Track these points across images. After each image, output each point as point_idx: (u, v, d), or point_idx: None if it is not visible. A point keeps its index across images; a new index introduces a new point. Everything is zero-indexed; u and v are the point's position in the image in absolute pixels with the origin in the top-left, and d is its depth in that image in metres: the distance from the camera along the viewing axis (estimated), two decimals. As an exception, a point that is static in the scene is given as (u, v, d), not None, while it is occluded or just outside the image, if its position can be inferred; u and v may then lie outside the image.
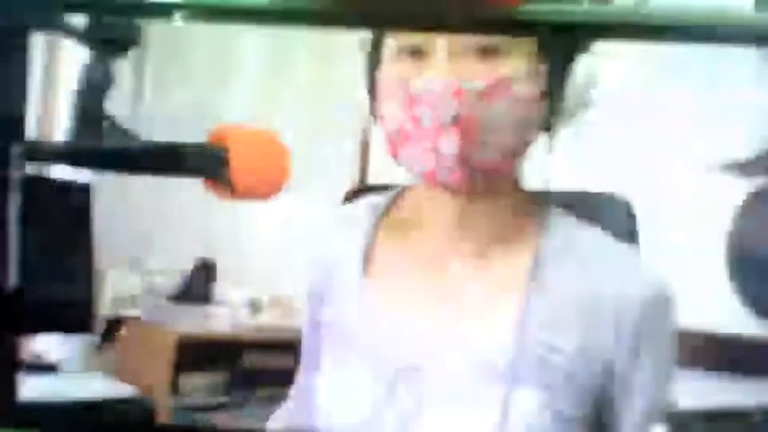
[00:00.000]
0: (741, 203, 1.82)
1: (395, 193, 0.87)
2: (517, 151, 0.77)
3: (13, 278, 0.54)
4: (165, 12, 0.52)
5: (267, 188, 0.68)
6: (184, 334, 2.21)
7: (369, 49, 0.81)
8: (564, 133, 0.83)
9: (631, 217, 0.94)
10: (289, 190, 0.71)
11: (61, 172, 1.67)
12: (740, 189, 1.83)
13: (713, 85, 1.96)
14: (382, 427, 0.77)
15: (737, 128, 1.92)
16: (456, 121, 0.72)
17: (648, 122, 2.04)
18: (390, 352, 0.79)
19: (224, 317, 2.38)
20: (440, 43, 0.74)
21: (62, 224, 1.68)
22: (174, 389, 2.21)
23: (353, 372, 0.81)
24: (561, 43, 0.76)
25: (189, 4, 0.49)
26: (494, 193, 0.79)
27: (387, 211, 0.86)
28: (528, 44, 0.75)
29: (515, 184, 0.81)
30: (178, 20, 0.50)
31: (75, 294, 1.72)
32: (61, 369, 1.91)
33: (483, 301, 0.78)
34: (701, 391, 1.90)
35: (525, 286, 0.77)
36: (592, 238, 0.80)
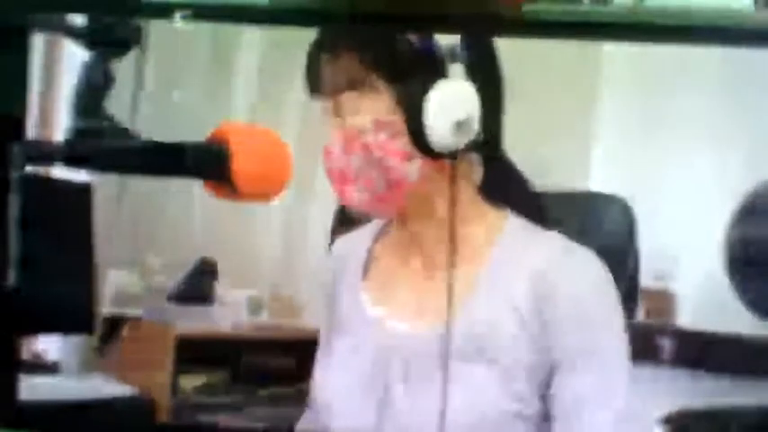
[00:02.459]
0: (741, 203, 1.82)
1: None
2: (394, 184, 0.89)
3: (12, 278, 0.54)
4: (165, 12, 0.52)
5: (268, 188, 0.68)
6: (184, 334, 2.21)
7: None
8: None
9: (629, 217, 0.94)
10: (290, 190, 0.71)
11: (61, 172, 1.68)
12: (740, 189, 1.83)
13: (716, 87, 1.96)
14: (364, 404, 0.91)
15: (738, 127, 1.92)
16: (332, 173, 0.90)
17: (651, 123, 2.05)
18: (371, 340, 0.94)
19: (224, 316, 2.38)
20: (325, 107, 0.90)
21: (62, 224, 1.68)
22: (174, 389, 2.21)
23: (344, 358, 0.96)
24: (409, 81, 0.87)
25: (189, 4, 0.49)
26: (423, 214, 0.92)
27: (385, 225, 1.00)
28: (385, 95, 0.88)
29: (458, 201, 0.92)
30: (178, 20, 0.50)
31: (75, 294, 1.72)
32: (61, 369, 1.91)
33: (439, 300, 0.91)
34: (701, 391, 1.90)
35: (474, 284, 0.90)
36: (539, 239, 0.91)
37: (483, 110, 0.87)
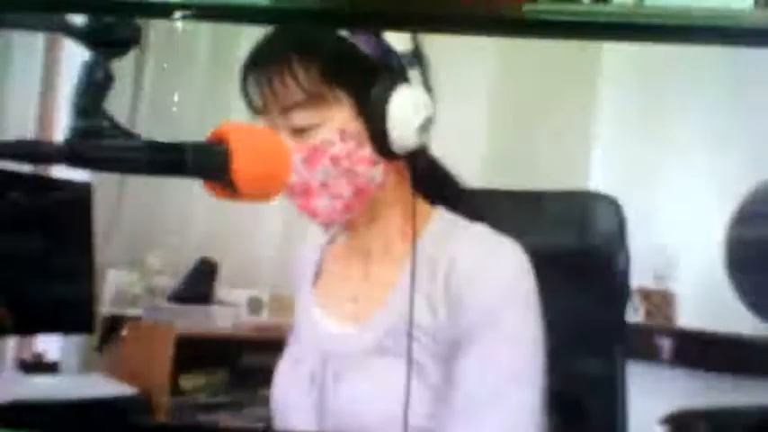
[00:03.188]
0: (741, 203, 1.82)
1: None
2: (361, 189, 0.91)
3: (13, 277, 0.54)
4: (165, 12, 0.52)
5: (268, 188, 0.68)
6: (184, 333, 2.22)
7: None
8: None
9: (619, 216, 0.95)
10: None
11: (61, 172, 1.67)
12: (740, 189, 1.83)
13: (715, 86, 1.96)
14: (305, 406, 0.96)
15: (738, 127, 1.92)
16: (297, 185, 0.90)
17: (651, 123, 2.04)
18: (314, 344, 0.99)
19: (224, 316, 2.38)
20: (274, 125, 0.90)
21: (62, 224, 1.68)
22: (174, 388, 2.21)
23: (292, 364, 1.01)
24: (370, 89, 0.89)
25: (189, 4, 0.49)
26: (369, 215, 0.94)
27: (335, 231, 1.04)
28: (346, 103, 0.89)
29: (395, 203, 0.95)
30: (178, 20, 0.50)
31: (75, 294, 1.72)
32: (61, 369, 1.91)
33: (369, 300, 0.95)
34: (701, 391, 1.90)
35: (398, 284, 0.93)
36: (462, 232, 0.93)
37: None
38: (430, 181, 0.97)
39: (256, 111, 0.92)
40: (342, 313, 0.98)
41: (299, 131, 0.89)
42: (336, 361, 0.95)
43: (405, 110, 0.88)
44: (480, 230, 0.93)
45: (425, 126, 0.89)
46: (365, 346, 0.92)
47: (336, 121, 0.89)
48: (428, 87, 0.91)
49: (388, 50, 0.88)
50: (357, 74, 0.89)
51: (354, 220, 0.96)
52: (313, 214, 0.92)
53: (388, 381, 0.90)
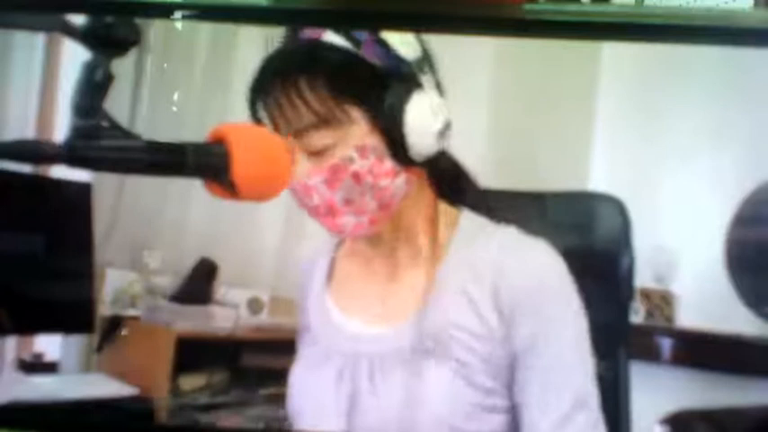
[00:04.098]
0: (742, 203, 1.82)
1: None
2: (386, 203, 0.90)
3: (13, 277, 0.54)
4: (164, 12, 0.52)
5: (268, 188, 0.68)
6: (184, 334, 2.21)
7: None
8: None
9: (624, 216, 0.95)
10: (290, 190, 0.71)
11: (61, 172, 1.67)
12: (741, 189, 1.83)
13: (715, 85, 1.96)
14: (335, 408, 0.94)
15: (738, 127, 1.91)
16: (321, 205, 0.89)
17: (651, 123, 2.04)
18: (339, 345, 0.97)
19: (224, 317, 2.38)
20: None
21: (62, 224, 1.68)
22: (174, 389, 2.21)
23: (314, 366, 0.99)
24: (383, 102, 0.88)
25: (189, 4, 0.49)
26: (394, 222, 0.93)
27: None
28: (360, 119, 0.88)
29: (419, 206, 0.95)
30: (178, 20, 0.50)
31: (75, 294, 1.72)
32: (61, 369, 1.91)
33: (400, 301, 0.94)
34: (701, 391, 1.90)
35: (432, 286, 0.92)
36: (494, 233, 0.93)
37: None
38: (453, 183, 0.96)
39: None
40: (369, 314, 0.97)
41: (315, 153, 0.88)
42: (370, 361, 0.93)
43: (422, 117, 0.86)
44: (514, 233, 0.93)
45: (444, 130, 0.88)
46: (401, 347, 0.92)
47: (353, 138, 0.88)
48: (441, 91, 0.90)
49: (396, 58, 0.86)
50: (367, 87, 0.87)
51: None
52: (340, 232, 0.92)
53: (431, 380, 0.89)
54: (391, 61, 0.86)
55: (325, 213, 0.90)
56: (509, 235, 0.93)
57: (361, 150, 0.88)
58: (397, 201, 0.92)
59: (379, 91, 0.86)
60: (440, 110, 0.87)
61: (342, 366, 0.95)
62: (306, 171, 0.88)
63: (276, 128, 0.89)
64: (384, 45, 0.84)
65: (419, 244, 0.94)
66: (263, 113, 0.89)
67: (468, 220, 0.95)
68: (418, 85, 0.87)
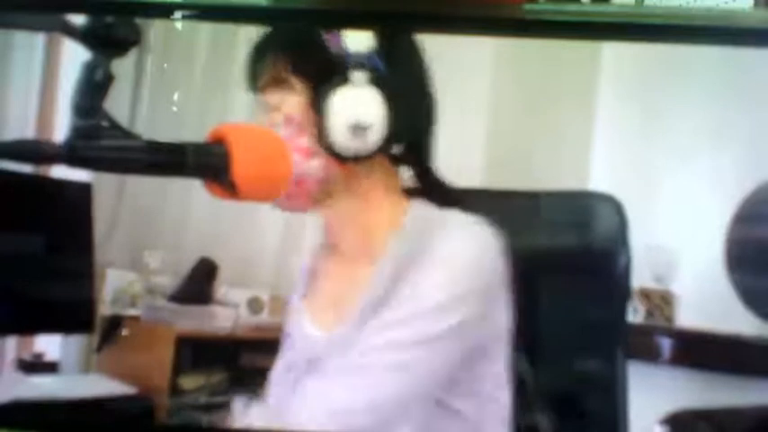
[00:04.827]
0: (742, 203, 1.82)
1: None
2: (302, 179, 0.93)
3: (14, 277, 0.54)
4: (165, 12, 0.51)
5: (268, 189, 0.68)
6: (184, 334, 2.22)
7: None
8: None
9: (620, 216, 0.95)
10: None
11: (61, 172, 1.67)
12: (741, 189, 1.83)
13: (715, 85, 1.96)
14: (288, 408, 0.94)
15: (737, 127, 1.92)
16: None
17: (651, 123, 2.04)
18: (303, 351, 0.98)
19: (224, 317, 2.38)
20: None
21: (62, 224, 1.68)
22: (174, 389, 2.21)
23: (286, 369, 1.00)
24: (320, 83, 0.92)
25: (189, 4, 0.49)
26: (367, 207, 0.96)
27: (323, 241, 1.04)
28: (292, 93, 0.94)
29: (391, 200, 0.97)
30: (178, 20, 0.50)
31: (75, 294, 1.72)
32: (61, 369, 1.91)
33: (344, 301, 0.96)
34: (701, 391, 1.90)
35: (371, 281, 0.93)
36: (441, 221, 0.94)
37: (399, 119, 0.92)
38: (425, 183, 0.97)
39: (247, 88, 0.99)
40: (324, 318, 0.99)
41: (265, 111, 0.96)
42: (309, 364, 0.96)
43: (342, 109, 0.91)
44: (454, 216, 0.95)
45: (365, 130, 0.90)
46: (335, 349, 0.94)
47: (289, 107, 0.94)
48: (387, 93, 0.91)
49: (347, 49, 0.91)
50: (312, 66, 0.93)
51: (329, 225, 0.99)
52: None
53: (354, 380, 0.90)
54: (342, 51, 0.92)
55: None
56: (450, 220, 0.94)
57: (287, 119, 0.94)
58: (309, 182, 0.94)
59: (322, 73, 0.92)
60: (361, 109, 0.90)
61: (298, 373, 0.97)
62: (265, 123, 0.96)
63: (252, 81, 0.97)
64: (341, 35, 0.91)
65: (371, 243, 0.96)
66: (249, 68, 0.98)
67: (415, 210, 0.97)
68: (346, 80, 0.91)
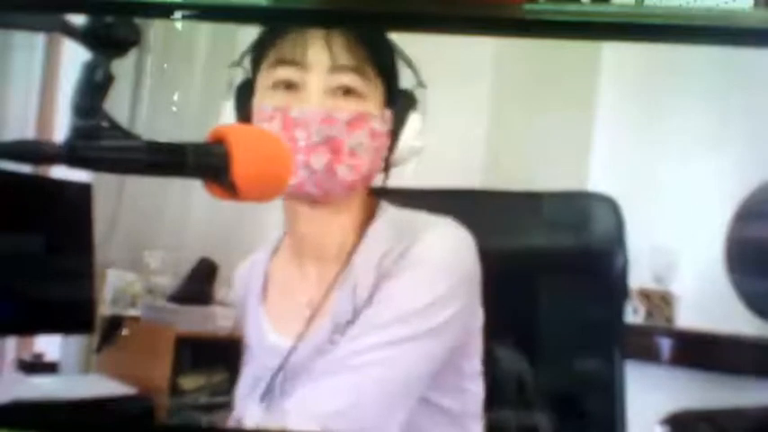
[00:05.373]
0: (742, 203, 1.82)
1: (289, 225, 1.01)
2: (369, 176, 0.93)
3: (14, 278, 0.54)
4: (164, 12, 0.51)
5: (268, 189, 0.68)
6: (184, 334, 2.21)
7: (240, 83, 0.96)
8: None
9: (617, 216, 0.95)
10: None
11: (61, 172, 1.67)
12: (741, 189, 1.83)
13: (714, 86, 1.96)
14: (256, 417, 0.93)
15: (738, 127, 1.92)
16: (326, 141, 0.88)
17: (651, 123, 2.04)
18: (266, 359, 0.95)
19: (224, 317, 2.38)
20: (313, 80, 0.90)
21: (62, 224, 1.68)
22: (174, 389, 2.21)
23: (248, 386, 0.98)
24: (402, 93, 0.94)
25: (189, 4, 0.49)
26: (343, 207, 0.94)
27: (279, 242, 1.02)
28: (380, 90, 0.92)
29: (363, 200, 0.95)
30: (178, 20, 0.50)
31: (75, 294, 1.72)
32: (61, 369, 1.91)
33: (315, 307, 0.93)
34: (701, 391, 1.90)
35: (345, 284, 0.92)
36: (404, 223, 0.93)
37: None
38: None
39: (288, 63, 0.90)
40: (289, 326, 0.96)
41: (345, 92, 0.91)
42: (283, 376, 0.93)
43: (413, 129, 0.92)
44: (424, 215, 0.94)
45: (412, 153, 0.93)
46: (308, 355, 0.91)
47: (377, 100, 0.92)
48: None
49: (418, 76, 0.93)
50: (393, 72, 0.93)
51: (297, 222, 0.96)
52: (320, 175, 0.90)
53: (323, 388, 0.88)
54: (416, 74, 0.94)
55: (332, 151, 0.90)
56: (421, 220, 0.94)
57: (383, 114, 0.92)
58: (371, 179, 0.94)
59: (396, 81, 0.93)
60: (419, 132, 0.92)
61: (269, 378, 0.95)
62: (334, 105, 0.90)
63: (307, 59, 0.89)
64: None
65: (341, 243, 0.94)
66: (299, 42, 0.88)
67: (385, 212, 0.96)
68: (415, 103, 0.94)
